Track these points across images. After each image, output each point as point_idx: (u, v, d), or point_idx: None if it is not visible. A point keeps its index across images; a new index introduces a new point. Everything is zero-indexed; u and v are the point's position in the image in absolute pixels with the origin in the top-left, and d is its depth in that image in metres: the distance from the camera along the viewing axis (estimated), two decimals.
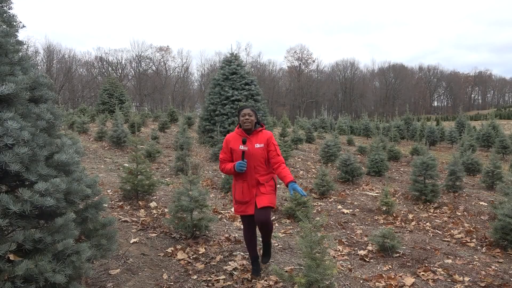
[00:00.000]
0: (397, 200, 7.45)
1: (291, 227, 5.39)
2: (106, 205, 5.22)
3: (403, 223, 5.88)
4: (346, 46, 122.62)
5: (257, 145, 3.44)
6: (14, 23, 2.52)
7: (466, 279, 3.72)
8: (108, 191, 6.42)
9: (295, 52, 73.18)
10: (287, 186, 3.22)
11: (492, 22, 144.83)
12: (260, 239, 3.80)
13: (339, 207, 6.71)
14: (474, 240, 5.11)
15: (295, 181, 3.21)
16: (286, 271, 3.62)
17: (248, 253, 3.80)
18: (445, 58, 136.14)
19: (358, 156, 13.52)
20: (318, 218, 3.15)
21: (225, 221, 5.50)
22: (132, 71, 63.68)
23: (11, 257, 2.06)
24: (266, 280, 3.46)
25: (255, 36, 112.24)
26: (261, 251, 3.80)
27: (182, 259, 3.89)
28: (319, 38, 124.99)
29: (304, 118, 28.44)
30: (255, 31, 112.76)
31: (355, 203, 7.11)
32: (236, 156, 3.45)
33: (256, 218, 3.39)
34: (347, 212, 6.38)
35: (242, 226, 4.05)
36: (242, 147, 3.41)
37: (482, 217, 6.39)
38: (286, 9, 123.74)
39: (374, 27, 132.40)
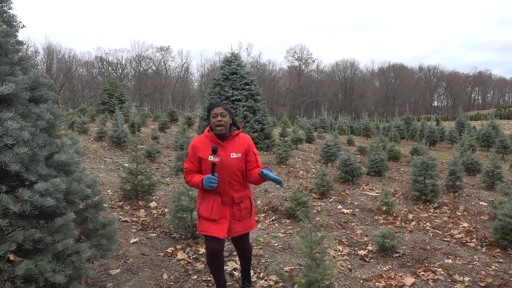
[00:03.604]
0: (397, 200, 7.45)
1: (291, 227, 5.39)
2: (106, 205, 5.22)
3: (403, 223, 5.88)
4: (350, 46, 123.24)
5: (234, 155, 2.76)
6: (14, 23, 2.52)
7: (466, 279, 3.72)
8: (108, 191, 6.42)
9: (295, 52, 73.36)
10: (259, 175, 2.71)
11: (499, 20, 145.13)
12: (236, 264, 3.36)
13: (339, 207, 6.71)
14: (474, 240, 5.11)
15: (268, 168, 2.75)
16: (286, 271, 3.62)
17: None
18: (448, 57, 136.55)
19: (358, 156, 13.52)
20: (318, 218, 3.15)
21: None
22: (132, 71, 63.79)
23: (11, 257, 2.06)
24: (266, 280, 3.46)
25: (257, 36, 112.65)
26: (240, 276, 3.37)
27: (182, 259, 3.89)
28: (323, 38, 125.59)
29: (304, 118, 28.42)
30: (257, 31, 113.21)
31: (355, 203, 7.11)
32: (206, 167, 2.75)
33: (236, 243, 3.04)
34: (347, 212, 6.38)
35: None
36: (211, 158, 2.70)
37: (482, 217, 6.39)
38: (290, 9, 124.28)
39: (379, 26, 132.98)
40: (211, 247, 2.79)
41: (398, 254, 4.37)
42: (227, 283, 3.41)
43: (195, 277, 3.52)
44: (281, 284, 3.40)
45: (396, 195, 7.90)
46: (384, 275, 3.71)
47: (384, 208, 6.39)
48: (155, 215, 5.30)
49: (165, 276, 3.49)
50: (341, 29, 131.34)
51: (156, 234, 4.55)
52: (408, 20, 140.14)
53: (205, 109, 13.13)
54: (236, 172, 2.77)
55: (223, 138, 2.79)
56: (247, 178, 2.87)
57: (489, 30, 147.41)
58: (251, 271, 3.61)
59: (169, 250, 4.07)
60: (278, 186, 2.58)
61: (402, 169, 11.68)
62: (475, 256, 4.45)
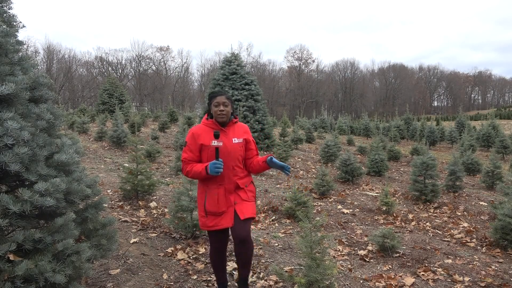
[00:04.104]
0: (397, 200, 7.45)
1: (291, 227, 5.39)
2: (106, 205, 5.22)
3: (403, 223, 5.88)
4: (350, 45, 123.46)
5: (235, 140, 2.74)
6: (14, 23, 2.52)
7: (466, 279, 3.72)
8: (108, 191, 6.42)
9: (295, 52, 73.42)
10: (265, 162, 2.73)
11: (500, 20, 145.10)
12: (234, 264, 3.12)
13: (339, 207, 6.71)
14: (474, 240, 5.11)
15: (273, 156, 2.77)
16: (286, 271, 3.62)
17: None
18: (449, 57, 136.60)
19: (358, 156, 13.52)
20: (318, 218, 3.15)
21: None
22: (132, 71, 63.83)
23: (11, 257, 2.06)
24: (266, 280, 3.46)
25: (257, 36, 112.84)
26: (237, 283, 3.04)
27: (182, 259, 3.89)
28: (323, 37, 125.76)
29: (304, 118, 28.43)
30: (257, 31, 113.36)
31: (355, 203, 7.11)
32: (209, 155, 2.68)
33: (236, 233, 2.67)
34: (347, 212, 6.38)
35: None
36: (215, 143, 2.64)
37: (482, 217, 6.39)
38: (290, 9, 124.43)
39: (380, 26, 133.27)
40: (217, 241, 2.78)
41: (398, 254, 4.37)
42: (228, 283, 3.41)
43: (195, 277, 3.51)
44: (281, 284, 3.40)
45: (396, 195, 7.90)
46: (384, 275, 3.71)
47: (384, 208, 6.39)
48: (155, 215, 5.30)
49: (165, 276, 3.48)
50: (341, 29, 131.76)
51: (156, 234, 4.55)
52: (408, 20, 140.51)
53: (205, 109, 13.11)
54: (238, 158, 2.74)
55: (224, 125, 2.76)
56: (248, 167, 2.86)
57: (489, 30, 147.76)
58: (250, 271, 3.61)
59: (169, 250, 4.07)
60: (284, 173, 2.45)
61: (402, 169, 11.68)
62: (475, 256, 4.45)
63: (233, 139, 2.73)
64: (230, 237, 3.61)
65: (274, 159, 2.67)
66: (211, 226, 2.71)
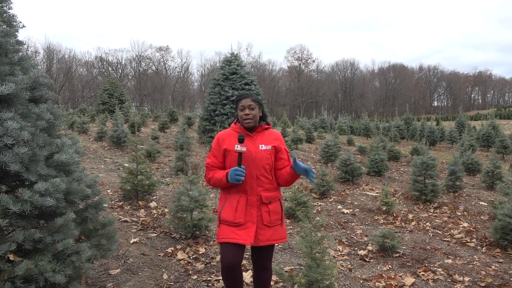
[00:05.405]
0: (397, 200, 7.45)
1: (291, 227, 5.39)
2: (106, 205, 5.22)
3: (403, 223, 5.88)
4: (351, 45, 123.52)
5: (263, 147, 2.47)
6: (14, 23, 2.52)
7: (466, 279, 3.72)
8: (108, 191, 6.42)
9: (295, 52, 73.42)
10: (292, 167, 2.43)
11: (502, 20, 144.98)
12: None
13: (339, 207, 6.71)
14: (474, 240, 5.11)
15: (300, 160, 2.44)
16: (286, 271, 3.62)
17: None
18: (450, 57, 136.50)
19: (358, 156, 13.52)
20: (318, 218, 3.15)
21: None
22: (132, 71, 63.82)
23: (11, 257, 2.06)
24: None
25: (257, 36, 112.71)
26: None
27: (182, 259, 3.89)
28: (324, 37, 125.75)
29: (304, 118, 28.44)
30: (257, 31, 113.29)
31: (355, 203, 7.11)
32: (232, 161, 2.45)
33: (255, 259, 2.56)
34: (347, 212, 6.38)
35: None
36: (238, 147, 2.41)
37: (482, 217, 6.39)
38: (291, 9, 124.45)
39: (380, 26, 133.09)
40: (228, 258, 2.33)
41: (398, 254, 4.37)
42: None
43: (195, 277, 3.52)
44: (281, 284, 3.40)
45: (396, 195, 7.90)
46: (384, 275, 3.71)
47: (384, 208, 6.39)
48: (155, 215, 5.30)
49: (165, 276, 3.49)
50: (342, 29, 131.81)
51: (156, 234, 4.55)
52: (410, 19, 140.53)
53: (205, 109, 13.11)
54: (264, 166, 2.44)
55: (251, 130, 2.53)
56: (278, 178, 2.55)
57: (491, 29, 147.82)
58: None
59: (169, 250, 4.07)
60: (309, 180, 2.10)
61: (402, 169, 11.68)
62: (475, 256, 4.45)
63: (260, 146, 2.46)
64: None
65: (298, 161, 2.35)
66: (224, 237, 2.37)
